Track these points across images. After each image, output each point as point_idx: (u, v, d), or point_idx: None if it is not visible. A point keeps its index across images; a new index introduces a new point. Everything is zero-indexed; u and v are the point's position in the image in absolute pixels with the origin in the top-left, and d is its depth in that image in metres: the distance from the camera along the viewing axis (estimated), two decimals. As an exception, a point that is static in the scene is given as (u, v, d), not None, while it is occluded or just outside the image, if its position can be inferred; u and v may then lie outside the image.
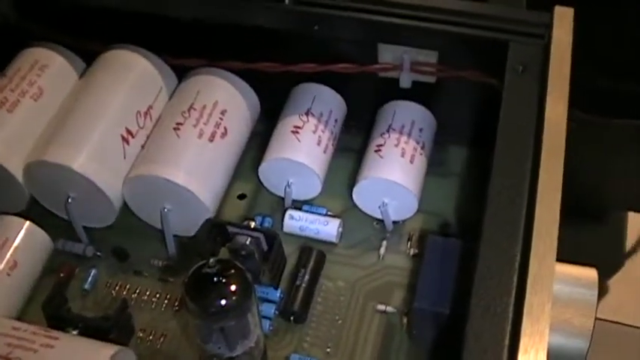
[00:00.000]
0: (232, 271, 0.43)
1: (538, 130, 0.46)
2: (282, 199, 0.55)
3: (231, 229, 0.50)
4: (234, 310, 0.42)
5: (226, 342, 0.44)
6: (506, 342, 0.38)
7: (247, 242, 0.49)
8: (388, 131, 0.53)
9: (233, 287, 0.42)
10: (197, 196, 0.50)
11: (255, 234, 0.49)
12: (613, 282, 0.92)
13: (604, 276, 0.53)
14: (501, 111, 0.47)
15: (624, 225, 0.87)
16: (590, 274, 0.46)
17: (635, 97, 0.67)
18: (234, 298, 0.42)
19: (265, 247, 0.50)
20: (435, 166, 0.55)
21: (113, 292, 0.52)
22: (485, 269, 0.41)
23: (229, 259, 0.46)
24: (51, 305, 0.49)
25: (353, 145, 0.57)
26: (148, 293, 0.52)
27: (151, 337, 0.50)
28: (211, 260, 0.42)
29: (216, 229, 0.50)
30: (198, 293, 0.42)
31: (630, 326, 1.09)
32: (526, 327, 0.38)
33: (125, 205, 0.53)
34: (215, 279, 0.42)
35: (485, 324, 0.39)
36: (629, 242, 1.01)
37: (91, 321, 0.48)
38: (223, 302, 0.42)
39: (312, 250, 0.52)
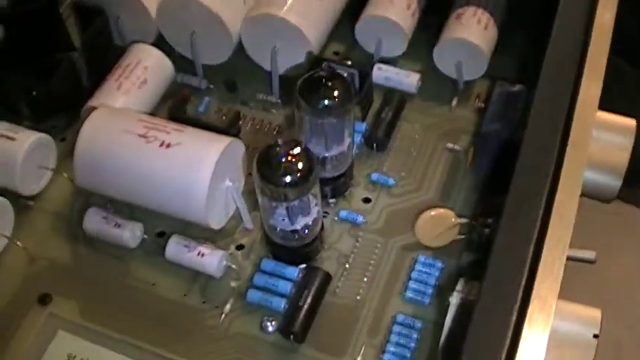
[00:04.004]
0: (338, 77, 0.52)
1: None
2: (371, 55, 0.64)
3: (330, 64, 0.59)
4: (337, 109, 0.51)
5: (325, 141, 0.53)
6: (554, 158, 0.47)
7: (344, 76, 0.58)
8: (467, 4, 0.62)
9: (338, 90, 0.51)
10: (306, 37, 0.59)
11: (351, 70, 0.58)
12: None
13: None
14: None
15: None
16: (629, 122, 0.53)
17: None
18: (338, 97, 0.51)
19: (358, 84, 0.59)
20: (500, 45, 0.64)
21: (224, 117, 0.61)
22: (540, 107, 0.49)
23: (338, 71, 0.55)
24: (175, 109, 0.58)
25: (430, 24, 0.65)
26: (252, 120, 0.62)
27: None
28: (324, 64, 0.51)
29: (317, 64, 0.59)
30: (309, 92, 0.51)
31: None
32: (569, 154, 0.47)
33: (237, 47, 0.62)
34: (324, 81, 0.51)
35: (537, 146, 0.47)
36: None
37: (209, 125, 0.57)
38: (329, 100, 0.51)
39: (396, 93, 0.61)
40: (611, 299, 0.72)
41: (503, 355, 0.40)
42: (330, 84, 0.51)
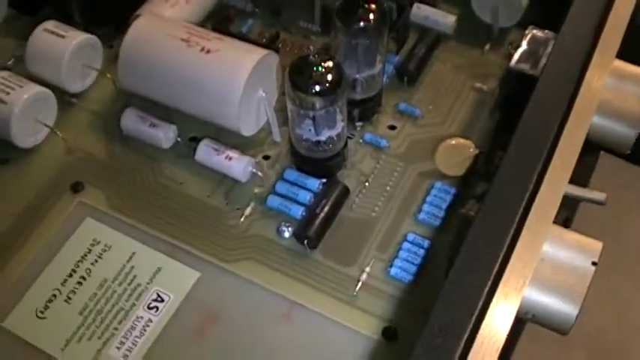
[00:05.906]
0: (375, 1, 0.54)
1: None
2: (412, -5, 0.66)
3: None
4: (371, 30, 0.54)
5: (357, 64, 0.55)
6: (567, 98, 0.49)
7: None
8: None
9: (373, 12, 0.54)
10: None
11: (389, 3, 0.60)
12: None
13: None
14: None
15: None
16: None
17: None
18: (373, 19, 0.54)
19: (395, 16, 0.61)
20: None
21: (264, 40, 0.64)
22: (560, 50, 0.52)
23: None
24: (219, 24, 0.61)
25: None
26: (291, 44, 0.64)
27: (288, 74, 0.62)
28: (362, -13, 0.54)
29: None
30: (346, 12, 0.54)
31: None
32: (583, 89, 0.49)
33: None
34: (361, 2, 0.54)
35: (555, 82, 0.49)
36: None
37: (249, 39, 0.60)
38: (364, 21, 0.53)
39: (432, 31, 0.63)
40: (624, 260, 0.74)
41: (498, 263, 0.42)
42: (366, 6, 0.54)
